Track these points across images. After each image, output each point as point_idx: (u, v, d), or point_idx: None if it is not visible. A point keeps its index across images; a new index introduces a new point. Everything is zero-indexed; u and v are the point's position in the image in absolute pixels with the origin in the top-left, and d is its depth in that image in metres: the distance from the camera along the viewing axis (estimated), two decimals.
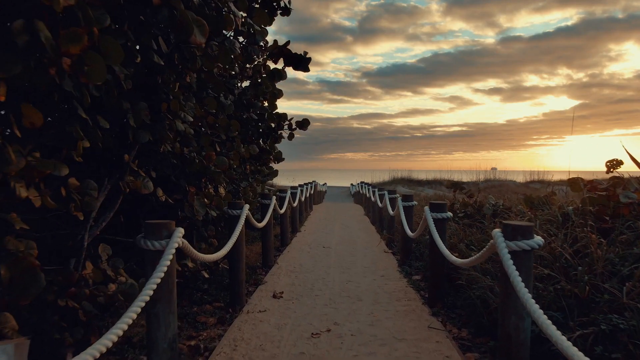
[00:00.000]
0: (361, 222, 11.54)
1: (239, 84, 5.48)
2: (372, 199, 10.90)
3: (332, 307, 4.08)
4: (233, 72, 5.00)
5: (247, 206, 4.12)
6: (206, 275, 4.46)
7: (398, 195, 7.82)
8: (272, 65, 5.04)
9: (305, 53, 4.24)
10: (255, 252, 6.74)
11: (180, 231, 2.30)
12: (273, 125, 5.67)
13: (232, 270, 4.09)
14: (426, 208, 4.08)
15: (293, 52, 4.21)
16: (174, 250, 2.20)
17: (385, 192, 7.67)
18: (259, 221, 5.59)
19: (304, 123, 5.61)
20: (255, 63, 5.00)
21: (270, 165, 8.59)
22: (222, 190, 5.10)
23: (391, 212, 6.92)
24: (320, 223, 11.09)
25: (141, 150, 3.58)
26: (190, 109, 3.31)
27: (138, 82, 3.01)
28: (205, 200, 4.37)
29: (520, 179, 33.62)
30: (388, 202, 7.43)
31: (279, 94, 5.45)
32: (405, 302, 4.25)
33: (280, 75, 4.88)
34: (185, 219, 4.50)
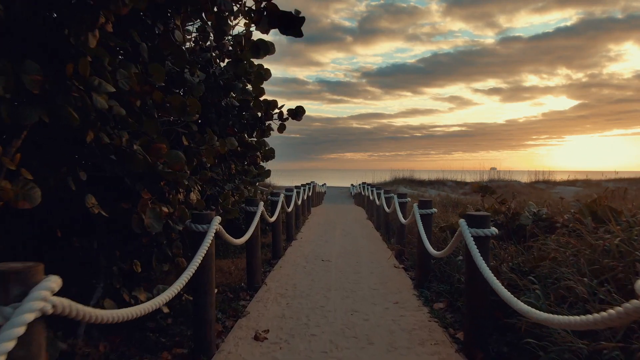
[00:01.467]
0: (364, 227, 10.45)
1: (218, 62, 4.37)
2: (377, 202, 9.80)
3: (332, 356, 2.98)
4: (206, 44, 3.91)
5: (217, 219, 3.03)
6: (166, 310, 3.37)
7: (408, 198, 6.73)
8: (256, 37, 3.94)
9: (298, 12, 3.14)
10: (241, 268, 5.66)
11: (48, 286, 1.20)
12: (260, 114, 4.58)
13: (197, 307, 2.99)
14: (462, 222, 2.99)
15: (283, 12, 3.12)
16: (21, 331, 1.11)
17: (395, 196, 6.58)
18: (244, 232, 4.49)
19: (297, 111, 4.52)
20: (235, 33, 3.90)
21: (261, 164, 7.49)
22: (194, 196, 4.01)
23: (403, 219, 5.83)
24: (319, 229, 10.00)
25: (60, 140, 2.49)
26: (124, 78, 2.22)
27: (31, 35, 1.91)
28: (166, 209, 3.28)
29: (523, 178, 32.60)
30: (398, 208, 6.34)
31: (266, 74, 4.35)
32: (432, 346, 3.16)
33: (267, 47, 3.78)
34: (143, 234, 3.41)
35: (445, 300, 4.12)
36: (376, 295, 4.49)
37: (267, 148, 6.00)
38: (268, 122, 4.72)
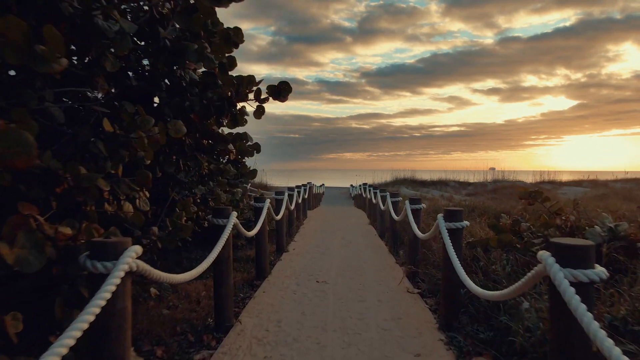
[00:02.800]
0: (366, 234, 9.22)
1: (173, 22, 3.14)
2: (381, 206, 8.57)
3: None
4: None
5: (133, 250, 1.81)
6: None
7: (423, 205, 5.51)
8: None
9: None
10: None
11: None
12: (230, 93, 3.36)
13: None
14: (547, 257, 1.77)
15: None
16: None
17: (407, 202, 5.36)
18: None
19: (281, 89, 3.30)
20: None
21: (244, 162, 6.28)
22: (129, 207, 2.81)
23: (419, 233, 4.59)
24: (315, 237, 8.77)
25: None
26: None
27: None
28: (66, 231, 2.08)
29: (525, 178, 31.41)
30: (411, 217, 5.11)
31: (236, 35, 3.12)
32: None
33: None
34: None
35: (487, 354, 2.91)
36: (389, 340, 3.27)
37: (247, 142, 4.81)
38: (241, 105, 3.50)
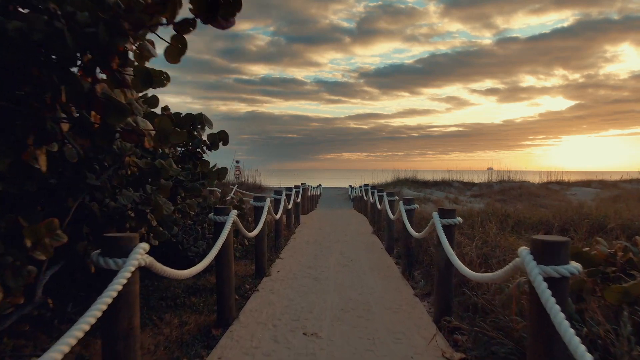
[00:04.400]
0: (371, 248, 7.54)
1: None
2: (391, 215, 6.87)
3: None
4: None
5: None
6: None
7: (459, 219, 3.86)
8: None
9: None
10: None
11: None
12: (116, 11, 1.71)
13: None
14: None
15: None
16: None
17: (435, 215, 3.68)
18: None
19: (214, 3, 1.65)
20: None
21: (204, 157, 4.68)
22: None
23: (469, 272, 2.89)
24: (307, 252, 7.08)
25: None
26: None
27: None
28: None
29: (530, 178, 29.80)
30: (444, 238, 3.44)
31: None
32: None
33: None
34: None
35: None
36: None
37: (205, 128, 3.33)
38: (147, 37, 1.82)
